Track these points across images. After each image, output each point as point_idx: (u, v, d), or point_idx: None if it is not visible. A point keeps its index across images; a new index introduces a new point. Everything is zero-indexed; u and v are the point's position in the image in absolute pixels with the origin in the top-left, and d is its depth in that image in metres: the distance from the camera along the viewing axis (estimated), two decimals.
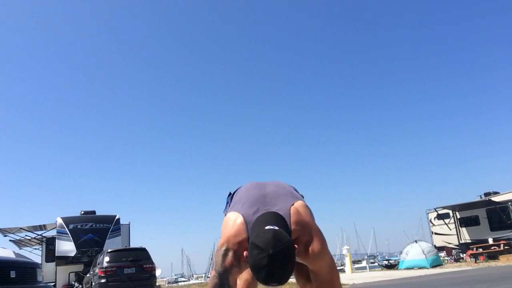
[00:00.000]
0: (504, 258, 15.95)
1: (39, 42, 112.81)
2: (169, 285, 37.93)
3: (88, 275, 13.86)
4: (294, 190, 2.41)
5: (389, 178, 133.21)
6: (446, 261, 19.95)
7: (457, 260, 19.52)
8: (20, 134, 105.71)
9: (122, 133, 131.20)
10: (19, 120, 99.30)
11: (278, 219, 1.94)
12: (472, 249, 18.51)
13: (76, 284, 16.04)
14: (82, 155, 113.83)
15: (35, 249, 22.52)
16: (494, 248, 17.55)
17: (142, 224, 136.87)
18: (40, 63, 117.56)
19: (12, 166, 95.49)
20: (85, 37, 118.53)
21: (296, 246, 1.87)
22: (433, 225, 23.97)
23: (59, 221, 17.40)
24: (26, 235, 20.22)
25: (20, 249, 21.89)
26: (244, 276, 2.37)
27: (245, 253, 1.87)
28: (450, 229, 22.26)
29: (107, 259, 12.08)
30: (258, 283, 2.05)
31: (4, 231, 19.32)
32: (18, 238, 20.73)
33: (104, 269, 11.82)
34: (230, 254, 1.96)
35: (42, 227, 19.22)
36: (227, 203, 2.48)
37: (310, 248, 2.01)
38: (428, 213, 24.39)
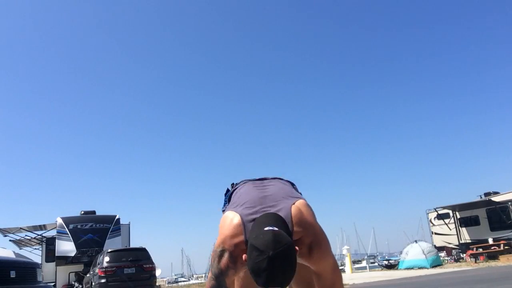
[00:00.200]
0: (504, 258, 15.94)
1: (39, 42, 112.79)
2: (169, 285, 37.93)
3: (88, 275, 13.86)
4: (294, 188, 2.37)
5: (389, 178, 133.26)
6: (446, 261, 19.94)
7: (457, 260, 19.51)
8: (20, 134, 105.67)
9: (122, 133, 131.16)
10: (19, 120, 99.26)
11: (278, 220, 1.87)
12: (472, 249, 18.50)
13: (76, 284, 16.03)
14: (82, 155, 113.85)
15: (35, 249, 22.52)
16: (494, 248, 17.54)
17: (142, 224, 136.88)
18: (40, 63, 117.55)
19: (12, 166, 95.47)
20: (85, 37, 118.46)
21: (297, 248, 1.80)
22: (433, 225, 23.96)
23: (59, 221, 17.39)
24: (26, 235, 20.21)
25: (20, 249, 21.89)
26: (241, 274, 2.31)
27: (244, 256, 1.81)
28: (450, 229, 22.25)
29: (107, 259, 12.08)
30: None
31: (4, 231, 19.32)
32: (18, 238, 20.73)
33: (104, 269, 11.81)
34: (226, 255, 1.91)
35: (42, 227, 19.22)
36: (225, 201, 2.44)
37: (313, 249, 1.95)
38: (428, 213, 24.37)
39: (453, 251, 21.39)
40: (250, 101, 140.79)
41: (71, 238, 16.88)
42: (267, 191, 2.16)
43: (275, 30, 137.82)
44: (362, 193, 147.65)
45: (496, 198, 20.20)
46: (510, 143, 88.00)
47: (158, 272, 14.82)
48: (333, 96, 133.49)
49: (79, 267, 16.60)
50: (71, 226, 17.17)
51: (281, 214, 1.94)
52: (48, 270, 16.88)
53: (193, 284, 25.79)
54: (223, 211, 2.26)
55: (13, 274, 5.79)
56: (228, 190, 2.56)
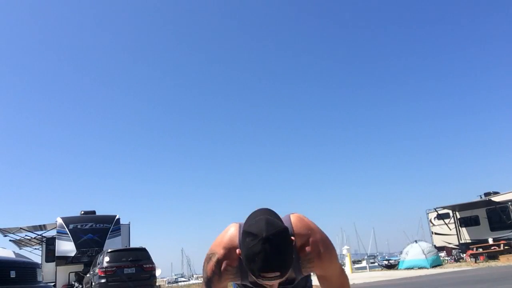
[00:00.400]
0: (504, 258, 15.94)
1: (39, 41, 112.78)
2: (169, 285, 37.92)
3: (88, 275, 13.85)
4: None
5: (389, 178, 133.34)
6: (446, 261, 19.94)
7: (457, 260, 19.51)
8: (20, 134, 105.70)
9: (122, 133, 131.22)
10: (19, 120, 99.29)
11: (273, 213, 1.79)
12: (472, 249, 18.50)
13: (76, 284, 16.03)
14: (82, 155, 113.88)
15: (35, 249, 22.52)
16: (494, 248, 17.54)
17: (142, 224, 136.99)
18: (40, 62, 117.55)
19: (12, 166, 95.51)
20: (86, 37, 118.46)
21: (307, 249, 1.78)
22: (433, 225, 23.95)
23: (59, 221, 17.38)
24: (26, 235, 20.20)
25: (20, 249, 21.89)
26: None
27: (237, 250, 1.75)
28: (450, 229, 22.25)
29: (107, 259, 12.07)
30: None
31: (4, 231, 19.30)
32: (18, 238, 20.72)
33: (104, 269, 11.81)
34: (214, 259, 1.85)
35: (42, 227, 19.20)
36: None
37: (323, 253, 1.88)
38: (428, 213, 24.37)
39: (453, 251, 21.39)
40: (251, 100, 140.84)
41: (71, 238, 16.87)
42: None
43: (275, 30, 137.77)
44: (362, 193, 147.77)
45: (496, 198, 20.19)
46: (510, 143, 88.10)
47: (158, 272, 14.81)
48: (333, 96, 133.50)
49: (79, 267, 16.59)
50: (71, 226, 17.16)
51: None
52: (48, 270, 16.87)
53: (193, 284, 25.80)
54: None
55: (13, 274, 5.79)
56: None
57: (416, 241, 18.31)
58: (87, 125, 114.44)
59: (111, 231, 17.72)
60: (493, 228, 20.20)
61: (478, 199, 21.70)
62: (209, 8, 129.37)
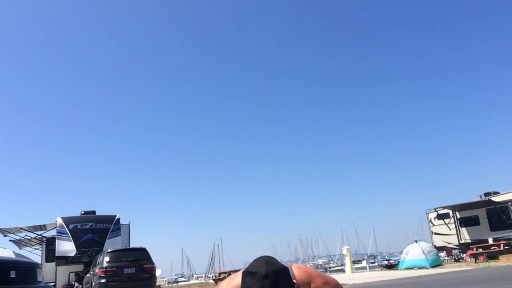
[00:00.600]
0: (504, 258, 15.94)
1: (41, 42, 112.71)
2: (169, 285, 37.93)
3: (88, 275, 13.84)
4: None
5: (389, 178, 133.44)
6: (446, 261, 19.93)
7: (457, 260, 19.50)
8: (21, 135, 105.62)
9: (122, 133, 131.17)
10: (19, 121, 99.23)
11: (273, 258, 1.86)
12: (472, 249, 18.49)
13: (76, 284, 16.02)
14: (82, 155, 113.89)
15: (35, 249, 22.49)
16: (494, 248, 17.53)
17: (142, 224, 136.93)
18: (40, 62, 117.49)
19: (12, 167, 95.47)
20: (86, 37, 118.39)
21: None
22: (433, 225, 23.94)
23: (59, 221, 17.37)
24: (26, 235, 20.18)
25: (20, 249, 21.86)
26: None
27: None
28: (450, 229, 22.24)
29: (107, 259, 12.06)
30: None
31: (4, 231, 19.29)
32: (18, 238, 20.69)
33: (104, 269, 11.80)
34: None
35: (42, 227, 19.19)
36: None
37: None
38: (428, 213, 24.36)
39: (453, 251, 21.38)
40: (251, 101, 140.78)
41: (71, 238, 16.86)
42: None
43: (275, 30, 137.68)
44: (362, 193, 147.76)
45: (496, 198, 20.18)
46: (510, 143, 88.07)
47: (158, 272, 14.80)
48: (333, 96, 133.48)
49: (79, 267, 16.59)
50: (71, 226, 17.15)
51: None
52: (48, 270, 16.87)
53: (193, 284, 25.80)
54: None
55: (13, 274, 5.78)
56: None
57: (416, 241, 18.30)
58: (87, 125, 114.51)
59: (111, 231, 17.71)
60: (493, 228, 20.19)
61: (478, 199, 21.69)
62: (209, 8, 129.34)
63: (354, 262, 34.17)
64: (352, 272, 18.97)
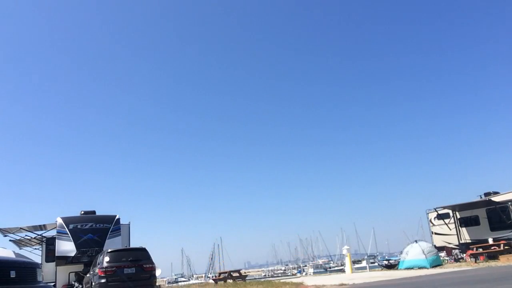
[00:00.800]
0: (504, 258, 15.95)
1: (44, 41, 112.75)
2: (169, 285, 37.95)
3: (88, 275, 13.86)
4: None
5: (389, 178, 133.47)
6: (446, 261, 19.94)
7: (457, 260, 19.51)
8: (21, 134, 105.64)
9: (123, 133, 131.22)
10: (19, 120, 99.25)
11: None
12: (472, 249, 18.50)
13: (76, 284, 16.04)
14: (83, 155, 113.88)
15: (35, 249, 22.51)
16: (494, 248, 17.54)
17: (143, 224, 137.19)
18: (42, 61, 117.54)
19: (12, 166, 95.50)
20: (88, 37, 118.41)
21: None
22: (433, 225, 23.96)
23: (59, 221, 17.39)
24: (26, 235, 20.19)
25: (20, 249, 21.87)
26: None
27: None
28: (450, 229, 22.26)
29: (107, 259, 12.07)
30: None
31: (4, 231, 19.30)
32: (18, 238, 20.71)
33: (104, 269, 11.80)
34: None
35: (42, 227, 19.20)
36: None
37: None
38: (428, 213, 24.37)
39: (453, 251, 21.40)
40: (251, 100, 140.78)
41: (71, 238, 16.88)
42: None
43: (276, 30, 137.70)
44: (362, 193, 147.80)
45: (496, 198, 20.19)
46: (510, 143, 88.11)
47: (158, 272, 14.79)
48: (333, 96, 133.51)
49: (79, 267, 16.61)
50: (71, 226, 17.17)
51: None
52: (48, 270, 16.89)
53: (193, 284, 25.79)
54: None
55: (13, 274, 5.78)
56: None
57: (416, 241, 18.31)
58: (88, 125, 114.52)
59: (111, 231, 17.73)
60: (493, 228, 20.21)
61: (478, 199, 21.70)
62: (209, 8, 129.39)
63: (354, 262, 34.20)
64: (352, 272, 18.97)
